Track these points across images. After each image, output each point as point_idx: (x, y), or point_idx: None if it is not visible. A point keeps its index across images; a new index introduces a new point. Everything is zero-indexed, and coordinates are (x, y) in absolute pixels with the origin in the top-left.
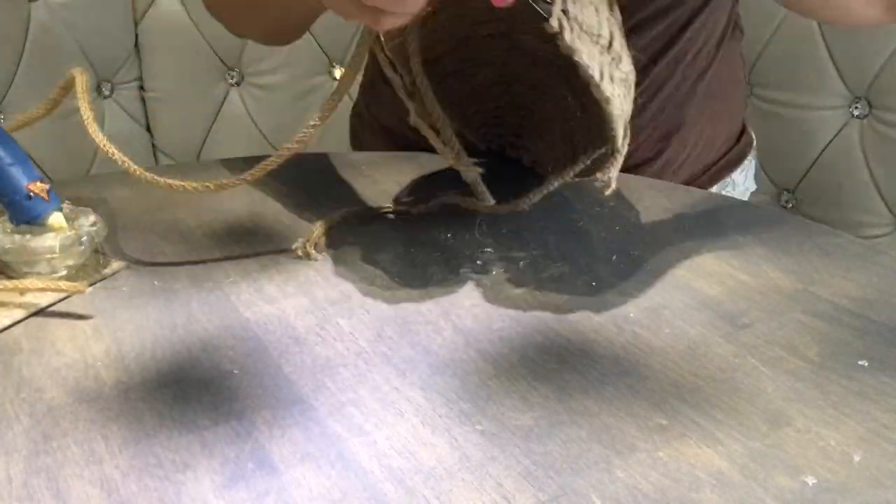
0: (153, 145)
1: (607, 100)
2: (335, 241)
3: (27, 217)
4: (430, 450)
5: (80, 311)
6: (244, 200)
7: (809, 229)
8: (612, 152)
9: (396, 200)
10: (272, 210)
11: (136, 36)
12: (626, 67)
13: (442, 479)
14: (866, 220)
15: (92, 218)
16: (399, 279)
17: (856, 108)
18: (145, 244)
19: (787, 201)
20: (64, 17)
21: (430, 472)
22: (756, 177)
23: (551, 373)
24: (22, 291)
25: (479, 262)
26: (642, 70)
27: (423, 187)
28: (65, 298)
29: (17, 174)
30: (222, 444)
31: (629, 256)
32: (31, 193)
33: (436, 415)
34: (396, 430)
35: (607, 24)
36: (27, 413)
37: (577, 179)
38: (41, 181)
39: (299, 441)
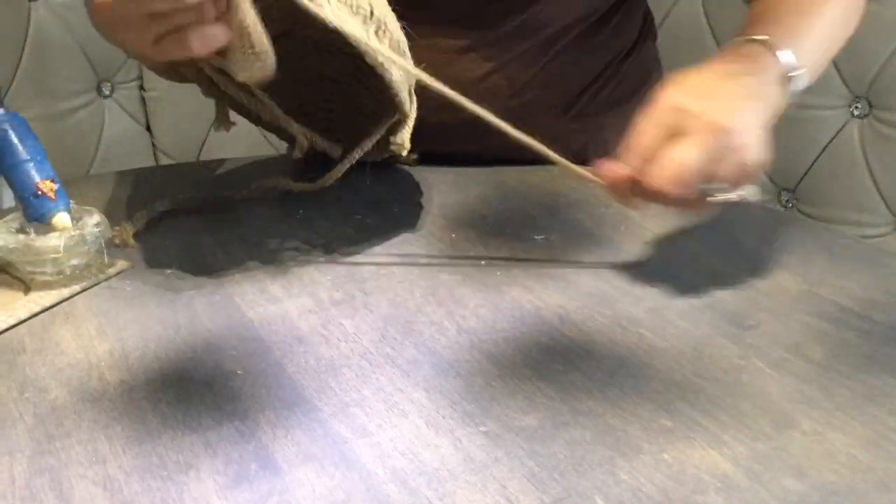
0: (153, 145)
1: (381, 65)
2: (334, 241)
3: (33, 215)
4: (434, 451)
5: (83, 311)
6: (246, 201)
7: (815, 230)
8: (403, 118)
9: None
10: (274, 210)
11: None
12: (396, 34)
13: (445, 481)
14: (866, 220)
15: (96, 218)
16: (403, 280)
17: (856, 107)
18: (149, 244)
19: (787, 201)
20: (64, 17)
21: (433, 473)
22: None
23: (556, 374)
24: (26, 291)
25: (483, 262)
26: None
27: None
28: (69, 298)
29: (30, 171)
30: (226, 444)
31: (633, 257)
32: (39, 192)
33: (440, 416)
34: (400, 430)
35: None
36: (31, 413)
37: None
38: (52, 180)
39: (303, 441)
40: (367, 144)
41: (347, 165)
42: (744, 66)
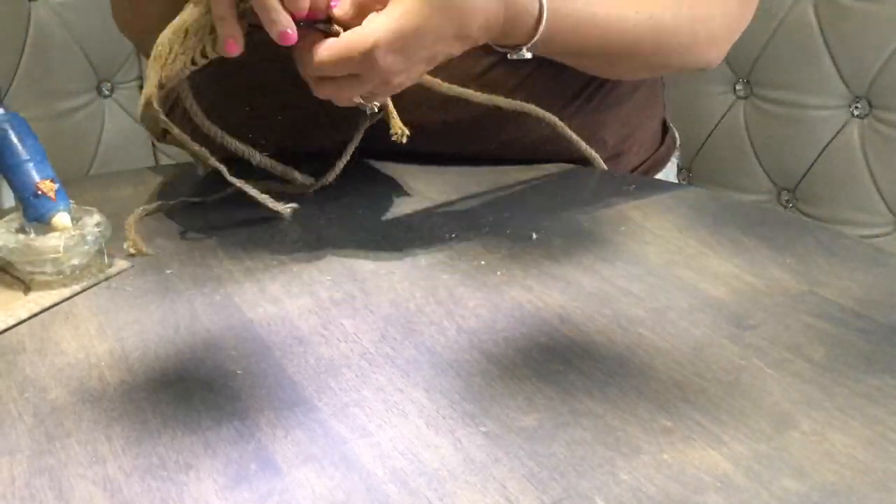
0: (153, 145)
1: None
2: (335, 241)
3: (33, 215)
4: (434, 451)
5: (83, 310)
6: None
7: (815, 230)
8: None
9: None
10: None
11: None
12: None
13: (445, 481)
14: (866, 220)
15: (96, 218)
16: (403, 280)
17: (856, 107)
18: (149, 244)
19: (787, 201)
20: (64, 17)
21: (433, 473)
22: (678, 174)
23: (555, 374)
24: (26, 291)
25: (483, 262)
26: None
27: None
28: (69, 298)
29: (31, 171)
30: (225, 444)
31: (634, 257)
32: (39, 192)
33: (439, 416)
34: (400, 431)
35: None
36: (31, 413)
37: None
38: (51, 180)
39: (302, 442)
40: (357, 139)
41: (342, 165)
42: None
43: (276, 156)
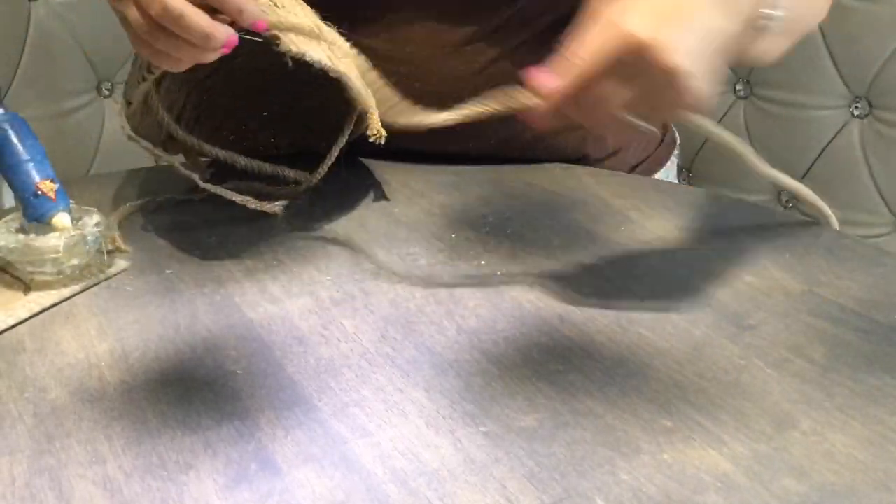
0: None
1: (340, 76)
2: (335, 241)
3: (33, 215)
4: (434, 451)
5: (84, 310)
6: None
7: (815, 230)
8: (368, 110)
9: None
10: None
11: None
12: (344, 46)
13: (445, 481)
14: (866, 220)
15: (96, 218)
16: (403, 280)
17: (856, 107)
18: (150, 244)
19: (787, 201)
20: (64, 17)
21: (433, 473)
22: (678, 174)
23: (555, 374)
24: (26, 291)
25: (483, 262)
26: None
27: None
28: (69, 298)
29: (30, 171)
30: (225, 444)
31: (634, 257)
32: (39, 192)
33: (439, 416)
34: (400, 431)
35: (308, 18)
36: (31, 413)
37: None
38: (51, 180)
39: (303, 442)
40: (341, 142)
41: (329, 162)
42: None
43: (294, 156)
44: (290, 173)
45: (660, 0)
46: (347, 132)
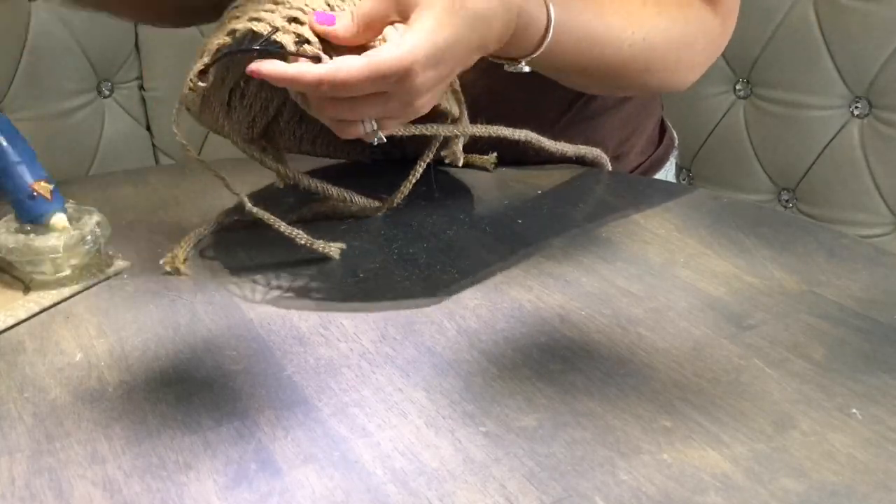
0: (153, 145)
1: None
2: (335, 241)
3: (29, 216)
4: (434, 451)
5: (83, 311)
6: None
7: (814, 230)
8: (455, 121)
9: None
10: (276, 210)
11: (136, 36)
12: None
13: (445, 481)
14: (866, 220)
15: (96, 218)
16: (402, 279)
17: (856, 107)
18: (149, 244)
19: (787, 201)
20: (64, 17)
21: (433, 473)
22: (678, 174)
23: (555, 374)
24: (26, 291)
25: (482, 262)
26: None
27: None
28: (69, 298)
29: (23, 173)
30: (225, 444)
31: (633, 256)
32: (35, 193)
33: (439, 416)
34: (400, 431)
35: None
36: (30, 413)
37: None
38: (46, 181)
39: (302, 442)
40: (428, 157)
41: (413, 181)
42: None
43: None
44: (359, 200)
45: (444, 65)
46: (435, 147)
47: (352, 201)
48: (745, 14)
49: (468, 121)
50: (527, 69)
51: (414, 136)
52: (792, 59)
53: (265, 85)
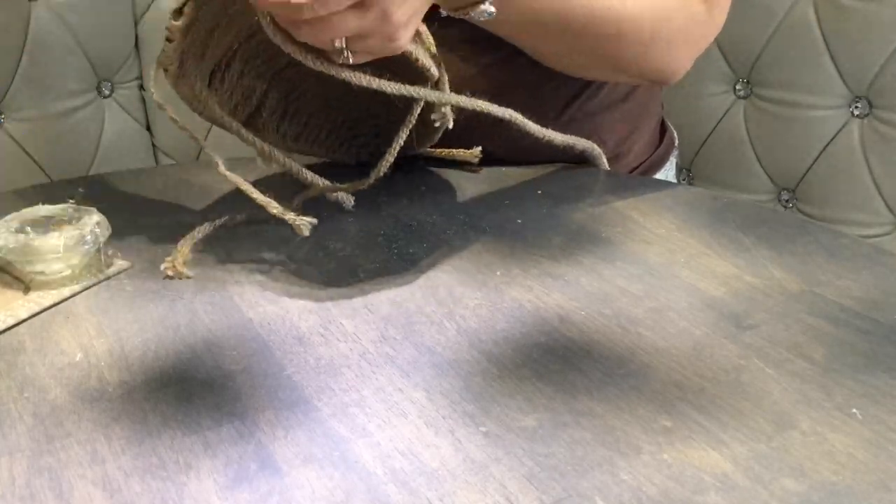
0: (153, 145)
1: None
2: (335, 241)
3: None
4: (434, 451)
5: (83, 311)
6: (247, 200)
7: (814, 230)
8: (437, 84)
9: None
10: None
11: (136, 36)
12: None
13: (445, 481)
14: (866, 220)
15: (96, 218)
16: (402, 279)
17: (856, 107)
18: (149, 244)
19: (787, 201)
20: (64, 17)
21: (433, 473)
22: (678, 174)
23: (555, 374)
24: (26, 291)
25: (482, 262)
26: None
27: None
28: (69, 298)
29: None
30: (225, 444)
31: (633, 256)
32: None
33: (439, 416)
34: (400, 431)
35: None
36: (30, 412)
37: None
38: None
39: (302, 442)
40: (407, 128)
41: (392, 156)
42: None
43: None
44: (339, 185)
45: None
46: (415, 115)
47: (331, 186)
48: (745, 14)
49: (449, 88)
50: (492, 9)
51: (397, 125)
52: (792, 59)
53: (247, 71)
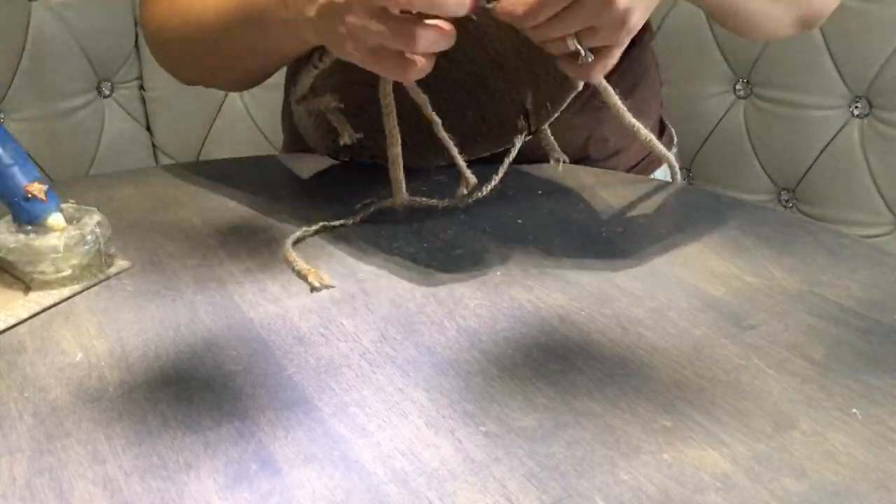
0: (153, 145)
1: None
2: (335, 241)
3: (26, 218)
4: (434, 451)
5: (83, 311)
6: (248, 200)
7: (814, 230)
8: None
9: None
10: (276, 210)
11: (136, 36)
12: None
13: (445, 481)
14: (866, 220)
15: (96, 218)
16: (402, 279)
17: (856, 107)
18: (150, 244)
19: (787, 201)
20: (64, 17)
21: (433, 473)
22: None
23: (555, 374)
24: (26, 291)
25: (482, 262)
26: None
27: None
28: (69, 298)
29: (17, 175)
30: (225, 444)
31: (633, 257)
32: (29, 195)
33: (439, 416)
34: (400, 431)
35: None
36: (31, 412)
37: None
38: (39, 182)
39: (303, 442)
40: (514, 150)
41: (509, 161)
42: None
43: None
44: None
45: None
46: (520, 143)
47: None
48: None
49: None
50: None
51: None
52: (792, 59)
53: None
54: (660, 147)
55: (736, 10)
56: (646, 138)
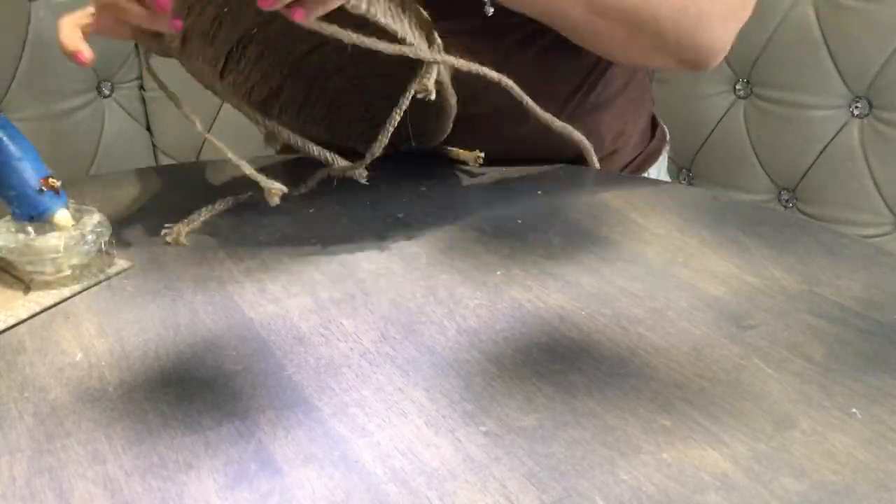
0: (153, 145)
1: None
2: (335, 241)
3: (35, 211)
4: (434, 451)
5: (84, 310)
6: (248, 200)
7: (814, 229)
8: (426, 65)
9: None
10: (276, 209)
11: None
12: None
13: (445, 481)
14: (866, 220)
15: (97, 217)
16: (403, 280)
17: (856, 107)
18: (150, 244)
19: (787, 201)
20: None
21: (433, 473)
22: (668, 170)
23: (555, 374)
24: (26, 291)
25: (483, 262)
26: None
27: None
28: (69, 298)
29: (29, 168)
30: (226, 444)
31: (633, 256)
32: (44, 188)
33: (439, 416)
34: (400, 430)
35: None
36: (31, 412)
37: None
38: (52, 177)
39: (303, 442)
40: (404, 104)
41: (386, 138)
42: None
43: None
44: (341, 162)
45: None
46: (409, 95)
47: (333, 162)
48: None
49: (443, 53)
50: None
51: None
52: (792, 59)
53: (267, 54)
54: (576, 134)
55: (551, 17)
56: (561, 128)
